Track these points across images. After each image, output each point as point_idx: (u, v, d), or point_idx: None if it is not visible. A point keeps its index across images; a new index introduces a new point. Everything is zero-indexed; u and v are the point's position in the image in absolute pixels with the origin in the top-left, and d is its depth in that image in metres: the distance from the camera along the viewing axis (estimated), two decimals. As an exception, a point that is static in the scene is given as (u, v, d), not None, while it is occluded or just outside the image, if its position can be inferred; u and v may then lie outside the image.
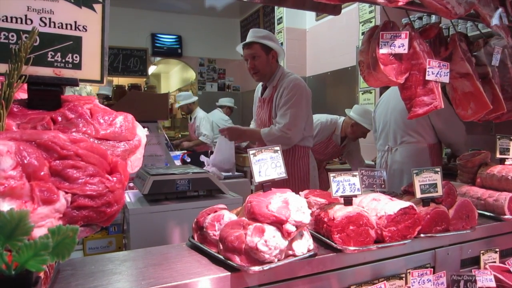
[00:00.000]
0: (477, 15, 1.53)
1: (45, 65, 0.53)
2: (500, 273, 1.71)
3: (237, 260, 1.23)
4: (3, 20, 0.48)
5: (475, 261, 1.81)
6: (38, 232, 0.38)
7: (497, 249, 1.83)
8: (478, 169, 2.04)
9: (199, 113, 6.11)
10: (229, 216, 1.44)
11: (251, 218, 1.30)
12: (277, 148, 1.44)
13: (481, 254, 1.79)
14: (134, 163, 0.62)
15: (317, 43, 5.89)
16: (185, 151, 3.60)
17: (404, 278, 1.56)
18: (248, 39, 2.80)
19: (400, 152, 2.83)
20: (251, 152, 1.40)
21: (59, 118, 0.54)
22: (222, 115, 6.59)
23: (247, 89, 8.23)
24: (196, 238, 1.49)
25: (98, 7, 0.54)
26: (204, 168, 2.70)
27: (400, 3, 1.29)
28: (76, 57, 0.55)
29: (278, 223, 1.25)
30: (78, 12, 0.54)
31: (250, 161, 1.40)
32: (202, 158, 2.82)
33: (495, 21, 1.46)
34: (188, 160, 3.11)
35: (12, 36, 0.51)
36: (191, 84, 8.89)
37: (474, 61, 1.59)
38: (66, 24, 0.54)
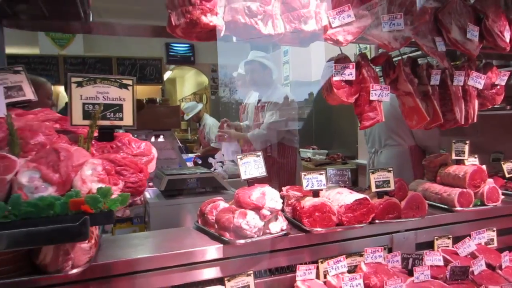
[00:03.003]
0: (416, 45, 2.01)
1: (105, 119, 1.06)
2: (449, 255, 2.17)
3: (227, 236, 1.76)
4: (86, 98, 1.02)
5: (430, 245, 2.27)
6: (114, 195, 0.92)
7: (450, 236, 2.28)
8: (438, 168, 2.50)
9: (208, 120, 6.68)
10: (223, 205, 1.97)
11: (238, 206, 1.83)
12: (259, 153, 1.96)
13: (435, 239, 2.25)
14: (151, 168, 1.15)
15: (321, 50, 6.34)
16: (197, 154, 4.17)
17: (363, 255, 2.05)
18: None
19: (384, 154, 3.31)
20: (238, 156, 1.92)
21: (114, 146, 1.08)
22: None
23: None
24: (200, 222, 2.03)
25: (130, 88, 1.07)
26: (212, 168, 3.26)
27: (344, 44, 1.79)
28: (120, 114, 1.07)
29: (257, 209, 1.78)
30: (120, 91, 1.07)
31: (238, 164, 1.93)
32: (210, 160, 3.37)
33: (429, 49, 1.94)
34: (200, 162, 3.66)
35: (91, 106, 1.06)
36: (205, 88, 9.51)
37: (416, 81, 2.05)
38: (115, 98, 1.06)
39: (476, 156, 2.58)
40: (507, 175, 2.76)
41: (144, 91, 8.73)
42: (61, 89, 6.78)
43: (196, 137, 9.03)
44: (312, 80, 6.46)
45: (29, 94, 1.32)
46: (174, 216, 2.57)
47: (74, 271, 1.39)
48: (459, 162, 2.43)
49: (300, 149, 6.61)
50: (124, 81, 1.05)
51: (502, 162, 2.82)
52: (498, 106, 2.64)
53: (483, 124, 3.44)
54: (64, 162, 0.87)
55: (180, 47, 8.29)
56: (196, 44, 8.53)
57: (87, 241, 1.45)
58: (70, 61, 7.71)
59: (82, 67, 7.67)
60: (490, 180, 2.42)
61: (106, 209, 0.86)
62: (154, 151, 1.14)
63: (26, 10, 1.49)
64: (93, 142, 1.03)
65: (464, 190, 2.28)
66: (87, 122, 1.04)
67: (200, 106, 6.73)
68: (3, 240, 0.79)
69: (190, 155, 4.26)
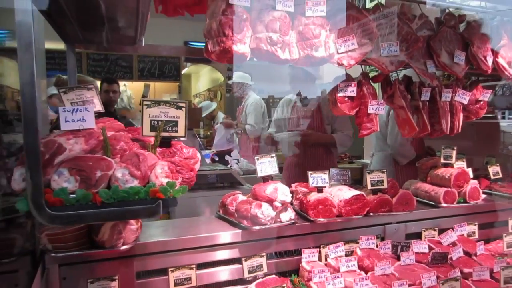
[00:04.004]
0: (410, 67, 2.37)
1: (165, 132, 1.46)
2: (434, 244, 2.54)
3: (245, 223, 2.16)
4: (153, 116, 1.42)
5: (419, 236, 2.65)
6: (176, 187, 1.30)
7: (436, 228, 2.66)
8: (429, 170, 2.87)
9: (221, 118, 7.11)
10: (242, 197, 2.37)
11: (254, 198, 2.23)
12: (273, 155, 2.35)
13: (423, 231, 2.63)
14: (197, 168, 1.55)
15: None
16: (214, 151, 4.57)
17: (359, 242, 2.43)
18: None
19: (375, 158, 3.79)
20: (256, 157, 2.32)
21: (171, 151, 1.47)
22: None
23: (269, 92, 9.18)
24: (221, 212, 2.43)
25: (183, 109, 1.46)
26: (228, 165, 3.66)
27: (348, 67, 2.16)
28: (176, 128, 1.46)
29: (270, 201, 2.17)
30: (176, 111, 1.46)
31: (256, 163, 2.32)
32: (227, 157, 3.77)
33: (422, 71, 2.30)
34: (217, 159, 4.06)
35: (155, 122, 1.45)
36: (219, 85, 9.89)
37: (409, 97, 2.41)
38: (172, 116, 1.45)
39: (464, 160, 2.95)
40: (492, 177, 3.11)
41: (162, 87, 9.14)
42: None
43: (209, 133, 9.45)
44: (324, 82, 6.78)
45: (99, 106, 1.71)
46: (197, 207, 2.98)
47: (125, 247, 1.80)
48: (447, 165, 2.80)
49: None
50: (180, 104, 1.43)
51: (488, 166, 3.17)
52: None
53: (478, 131, 3.83)
54: (142, 163, 1.26)
55: (199, 45, 8.57)
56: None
57: (135, 224, 1.87)
58: (93, 57, 8.12)
59: (104, 63, 8.09)
60: (473, 181, 2.79)
61: (172, 196, 1.25)
62: (198, 155, 1.53)
63: (94, 37, 1.88)
64: (158, 149, 1.42)
65: (449, 189, 2.66)
66: (153, 133, 1.43)
67: (214, 105, 7.14)
68: (110, 214, 1.19)
69: (207, 151, 4.66)
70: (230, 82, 7.30)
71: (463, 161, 2.93)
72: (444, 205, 2.65)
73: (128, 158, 1.27)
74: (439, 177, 2.75)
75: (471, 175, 2.88)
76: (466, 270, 2.26)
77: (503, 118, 4.89)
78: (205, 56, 1.98)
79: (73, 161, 1.21)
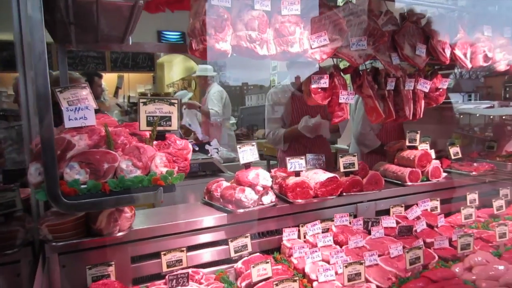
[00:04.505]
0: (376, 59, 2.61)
1: (160, 126, 1.64)
2: (401, 219, 2.82)
3: (230, 207, 2.35)
4: (149, 113, 1.58)
5: (387, 212, 2.93)
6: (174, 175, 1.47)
7: (403, 205, 2.94)
8: (396, 152, 3.15)
9: None
10: (226, 183, 2.56)
11: (238, 184, 2.42)
12: (254, 143, 2.54)
13: (391, 207, 2.91)
14: (189, 157, 1.73)
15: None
16: (194, 141, 4.71)
17: (334, 220, 2.68)
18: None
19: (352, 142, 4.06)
20: (238, 146, 2.51)
21: (166, 143, 1.63)
22: None
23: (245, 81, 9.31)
24: (206, 198, 2.61)
25: (175, 105, 1.62)
26: (209, 154, 3.83)
27: (320, 61, 2.36)
28: (169, 122, 1.62)
29: (253, 186, 2.37)
30: (169, 107, 1.61)
31: (238, 151, 2.51)
32: (207, 147, 3.94)
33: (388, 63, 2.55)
34: (197, 148, 4.21)
35: (152, 117, 1.61)
36: (194, 74, 9.93)
37: (376, 87, 2.66)
38: (166, 112, 1.61)
39: (427, 142, 3.25)
40: (452, 157, 3.43)
41: (136, 78, 9.09)
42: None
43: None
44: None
45: (93, 103, 1.85)
46: (180, 195, 3.14)
47: (120, 234, 1.96)
48: (412, 147, 3.09)
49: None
50: (172, 101, 1.60)
51: (449, 147, 3.49)
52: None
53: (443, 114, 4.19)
54: (143, 155, 1.42)
55: (172, 35, 8.64)
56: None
57: (129, 211, 2.03)
58: (63, 48, 7.97)
59: (75, 54, 7.97)
60: (435, 161, 3.10)
61: (171, 183, 1.43)
62: (190, 146, 1.70)
63: (85, 37, 2.00)
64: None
65: (414, 169, 2.94)
66: (149, 128, 1.59)
67: (190, 95, 7.25)
68: (118, 201, 1.35)
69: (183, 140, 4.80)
70: (193, 75, 7.58)
71: (427, 144, 3.23)
72: (409, 183, 2.94)
73: (130, 151, 1.44)
74: (404, 158, 3.04)
75: (434, 156, 3.19)
76: (428, 240, 2.55)
77: (469, 100, 5.30)
78: (190, 53, 2.13)
79: (82, 155, 1.36)
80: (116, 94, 7.34)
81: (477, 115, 5.05)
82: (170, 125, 1.60)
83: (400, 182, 2.98)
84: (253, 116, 10.32)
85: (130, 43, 2.15)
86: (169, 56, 11.74)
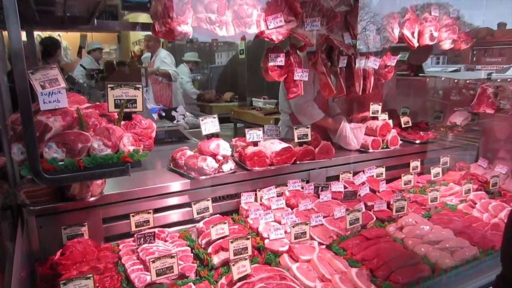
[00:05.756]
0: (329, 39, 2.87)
1: (127, 108, 1.84)
2: (349, 184, 3.22)
3: (193, 174, 2.66)
4: (117, 97, 1.79)
5: (337, 178, 3.32)
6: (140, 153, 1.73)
7: (351, 171, 3.34)
8: (360, 123, 3.51)
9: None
10: (189, 152, 2.85)
11: (200, 153, 2.72)
12: (215, 116, 2.81)
13: (340, 174, 3.30)
14: (153, 135, 1.98)
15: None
16: (161, 107, 4.89)
17: (287, 185, 3.04)
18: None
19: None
20: (200, 118, 2.77)
21: (133, 123, 1.86)
22: (186, 70, 8.03)
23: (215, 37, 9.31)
24: (171, 165, 2.90)
25: (140, 89, 1.85)
26: (175, 121, 4.07)
27: (276, 41, 2.61)
28: (135, 104, 1.84)
29: (213, 155, 2.67)
30: (135, 91, 1.83)
31: (200, 123, 2.78)
32: (173, 113, 4.16)
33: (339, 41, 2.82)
34: (163, 114, 4.41)
35: (119, 100, 1.83)
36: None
37: (329, 64, 2.95)
38: (132, 95, 1.83)
39: (386, 113, 3.62)
40: (403, 125, 3.83)
41: (100, 37, 8.92)
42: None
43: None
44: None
45: (63, 83, 2.06)
46: (147, 162, 3.39)
47: (92, 199, 2.24)
48: (374, 118, 3.47)
49: (252, 99, 7.48)
50: (137, 86, 1.83)
51: (400, 116, 3.88)
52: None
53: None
54: (112, 135, 1.67)
55: (135, -4, 8.42)
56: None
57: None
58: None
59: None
60: (393, 131, 3.50)
61: (137, 160, 1.70)
62: (154, 125, 1.95)
63: (50, 19, 2.15)
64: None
65: (376, 138, 3.34)
66: (117, 110, 1.83)
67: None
68: (92, 175, 1.62)
69: (154, 106, 4.97)
70: (183, 58, 7.83)
71: (386, 114, 3.60)
72: (371, 150, 3.35)
73: (101, 132, 1.69)
74: (368, 128, 3.42)
75: (392, 126, 3.57)
76: (369, 203, 2.96)
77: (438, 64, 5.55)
78: (153, 34, 2.33)
79: (59, 136, 1.60)
80: (79, 53, 7.26)
81: (442, 78, 5.13)
82: (135, 107, 1.84)
83: (363, 150, 3.37)
84: (223, 76, 10.39)
85: (95, 23, 2.32)
86: (133, 14, 11.40)
